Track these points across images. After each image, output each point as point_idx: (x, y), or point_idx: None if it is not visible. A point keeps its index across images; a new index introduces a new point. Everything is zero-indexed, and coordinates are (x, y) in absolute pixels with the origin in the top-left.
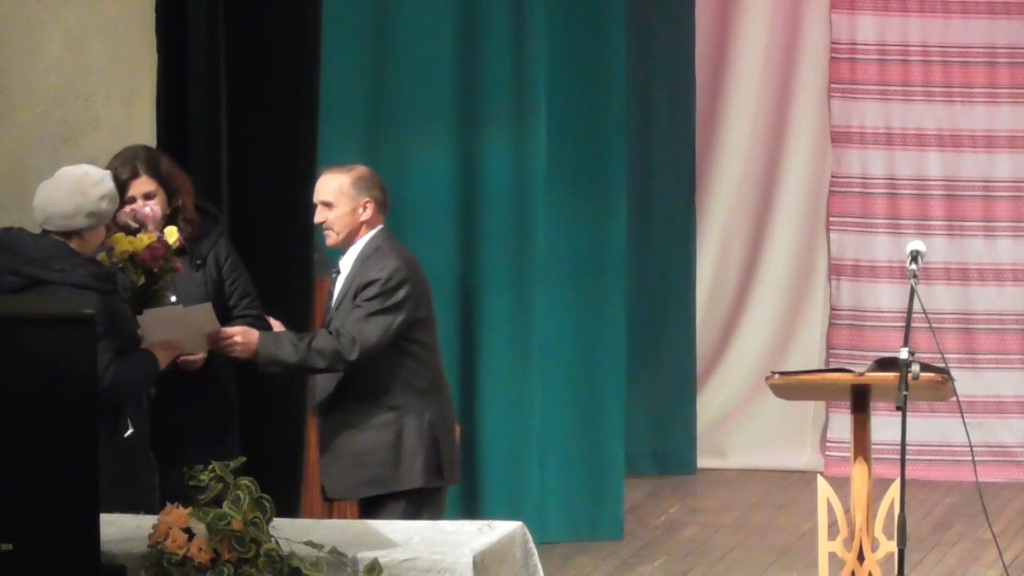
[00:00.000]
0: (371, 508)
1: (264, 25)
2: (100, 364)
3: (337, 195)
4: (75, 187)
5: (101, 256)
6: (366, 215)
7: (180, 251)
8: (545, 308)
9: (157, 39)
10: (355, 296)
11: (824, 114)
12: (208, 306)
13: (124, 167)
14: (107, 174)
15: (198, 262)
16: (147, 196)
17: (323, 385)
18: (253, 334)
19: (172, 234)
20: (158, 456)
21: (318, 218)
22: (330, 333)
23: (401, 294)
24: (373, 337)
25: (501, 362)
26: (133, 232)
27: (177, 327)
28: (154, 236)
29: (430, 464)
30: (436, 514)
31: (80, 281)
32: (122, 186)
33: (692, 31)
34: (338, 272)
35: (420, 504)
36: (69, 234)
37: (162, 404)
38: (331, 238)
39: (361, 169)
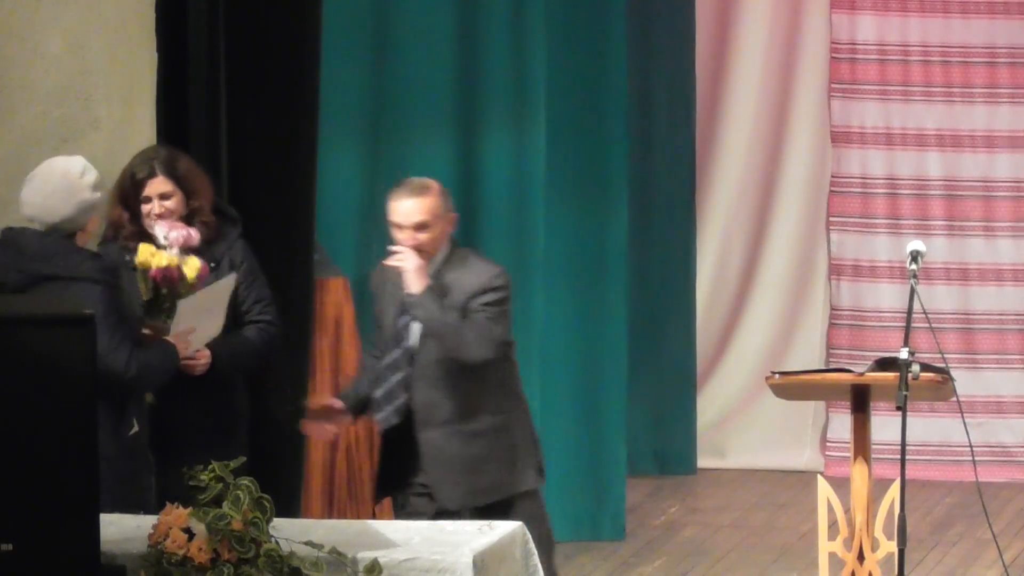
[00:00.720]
0: (485, 515)
1: (264, 25)
2: (121, 356)
3: (434, 216)
4: (67, 189)
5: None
6: (451, 228)
7: (197, 251)
8: (546, 309)
9: (157, 39)
10: (466, 301)
11: (824, 114)
12: (233, 278)
13: (142, 166)
14: (83, 161)
15: (212, 264)
16: (163, 196)
17: (423, 399)
18: (423, 268)
19: (193, 268)
20: (161, 458)
21: (410, 242)
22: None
23: (509, 298)
24: (501, 338)
25: None
26: (159, 246)
27: (201, 312)
28: (175, 260)
29: (538, 464)
30: (544, 513)
31: (86, 275)
32: (138, 184)
33: (692, 31)
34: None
35: (532, 504)
36: (73, 232)
37: (167, 407)
38: (422, 259)
39: (434, 183)
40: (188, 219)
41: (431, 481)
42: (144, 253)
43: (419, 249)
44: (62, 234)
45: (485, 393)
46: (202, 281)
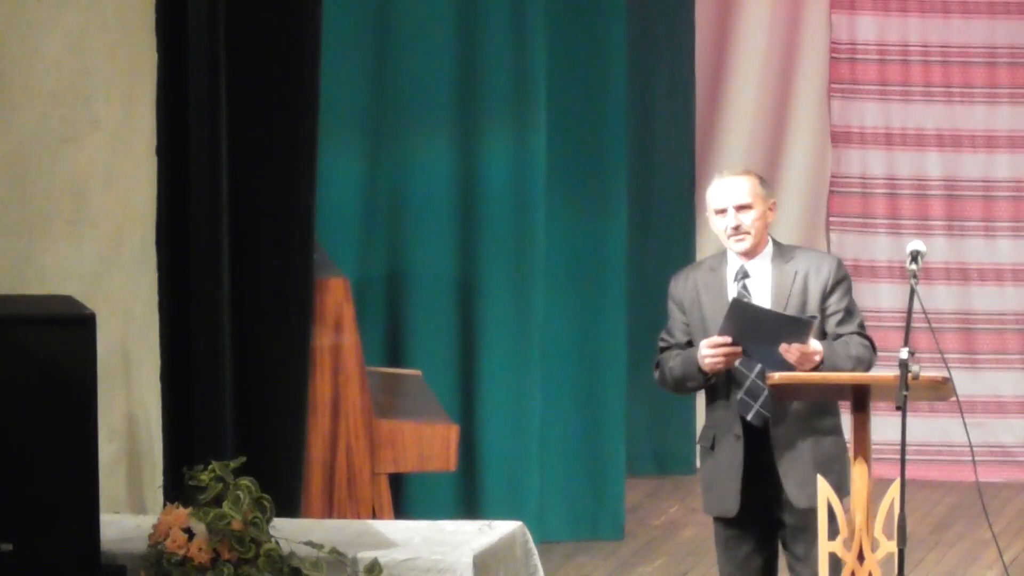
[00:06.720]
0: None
1: (264, 25)
2: None
3: (754, 197)
4: None
5: None
6: (772, 216)
7: None
8: (546, 308)
9: (157, 39)
10: (824, 298)
11: (824, 114)
12: None
13: None
14: None
15: None
16: None
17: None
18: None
19: None
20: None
21: (731, 223)
22: (859, 338)
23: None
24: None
25: (501, 362)
26: None
27: None
28: None
29: None
30: None
31: None
32: None
33: (692, 31)
34: (747, 277)
35: None
36: None
37: None
38: (745, 242)
39: (753, 172)
40: None
41: (784, 478)
42: None
43: (742, 232)
44: None
45: None
46: None
